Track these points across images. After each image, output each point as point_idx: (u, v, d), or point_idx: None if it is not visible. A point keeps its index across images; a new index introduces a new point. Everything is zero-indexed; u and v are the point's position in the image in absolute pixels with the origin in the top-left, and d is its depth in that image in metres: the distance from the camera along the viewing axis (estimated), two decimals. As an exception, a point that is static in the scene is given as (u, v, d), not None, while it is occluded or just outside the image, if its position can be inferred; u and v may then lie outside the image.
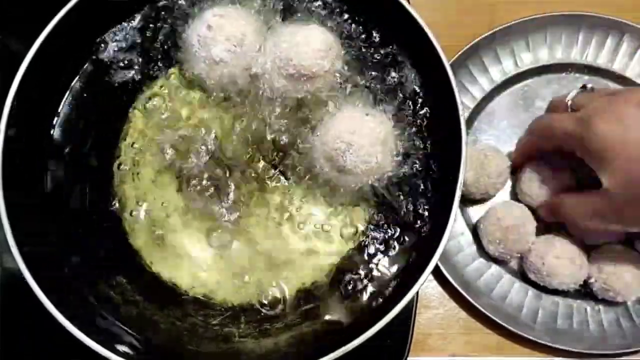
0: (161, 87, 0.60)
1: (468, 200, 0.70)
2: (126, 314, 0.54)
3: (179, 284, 0.56)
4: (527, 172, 0.67)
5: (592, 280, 0.65)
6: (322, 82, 0.57)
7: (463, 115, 0.53)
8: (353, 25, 0.60)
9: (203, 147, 0.57)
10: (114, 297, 0.55)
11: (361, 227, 0.57)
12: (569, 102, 0.61)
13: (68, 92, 0.59)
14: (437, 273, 0.67)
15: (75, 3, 0.55)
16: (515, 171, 0.69)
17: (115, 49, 0.60)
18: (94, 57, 0.60)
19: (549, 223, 0.67)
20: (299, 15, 0.60)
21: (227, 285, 0.55)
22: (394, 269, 0.55)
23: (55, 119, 0.58)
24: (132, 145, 0.58)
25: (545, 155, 0.66)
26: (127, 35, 0.60)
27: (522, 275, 0.68)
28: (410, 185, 0.57)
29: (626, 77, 0.72)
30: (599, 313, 0.67)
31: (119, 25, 0.60)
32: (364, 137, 0.53)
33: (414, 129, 0.58)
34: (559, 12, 0.73)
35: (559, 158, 0.64)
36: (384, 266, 0.55)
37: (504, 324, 0.65)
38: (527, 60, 0.73)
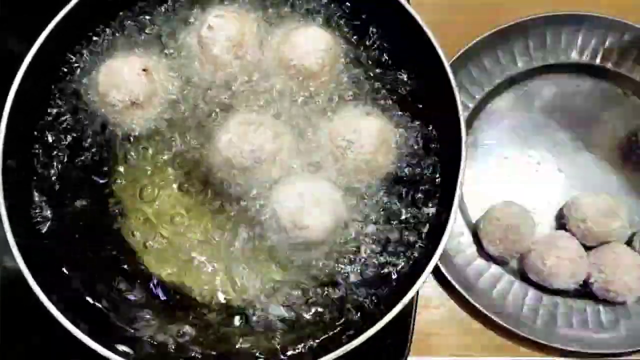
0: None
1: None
2: (126, 313, 0.54)
3: (179, 285, 0.56)
4: None
5: (592, 280, 0.65)
6: (323, 81, 0.57)
7: (463, 115, 0.54)
8: (353, 26, 0.60)
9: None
10: (113, 297, 0.55)
11: (361, 227, 0.57)
12: None
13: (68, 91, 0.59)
14: (437, 273, 0.67)
15: (76, 3, 0.56)
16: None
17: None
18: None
19: None
20: (299, 15, 0.60)
21: (227, 286, 0.55)
22: (394, 268, 0.55)
23: (54, 116, 0.58)
24: (130, 143, 0.58)
25: None
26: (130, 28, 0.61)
27: (522, 275, 0.68)
28: (410, 184, 0.57)
29: (625, 77, 0.73)
30: (598, 313, 0.67)
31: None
32: (364, 136, 0.53)
33: (413, 129, 0.58)
34: (559, 12, 0.73)
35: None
36: (384, 266, 0.55)
37: (504, 324, 0.65)
38: (527, 60, 0.73)
